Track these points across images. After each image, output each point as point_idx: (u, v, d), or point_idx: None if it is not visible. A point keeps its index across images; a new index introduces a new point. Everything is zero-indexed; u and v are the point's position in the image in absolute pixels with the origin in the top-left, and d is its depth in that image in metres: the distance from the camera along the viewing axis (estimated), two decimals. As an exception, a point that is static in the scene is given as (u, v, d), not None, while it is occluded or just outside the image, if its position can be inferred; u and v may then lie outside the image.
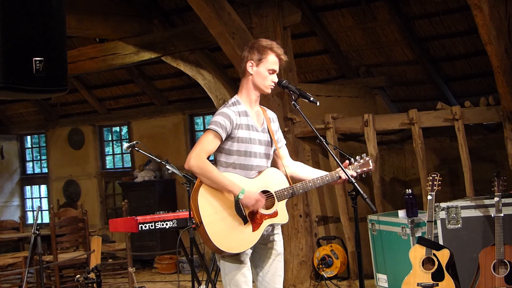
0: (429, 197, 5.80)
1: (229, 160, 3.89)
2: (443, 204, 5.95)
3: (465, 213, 5.85)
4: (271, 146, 4.10)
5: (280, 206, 3.96)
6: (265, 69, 3.94)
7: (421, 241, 5.73)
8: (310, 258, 7.82)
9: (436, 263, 5.58)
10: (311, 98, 4.00)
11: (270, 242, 4.04)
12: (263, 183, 3.93)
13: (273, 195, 3.93)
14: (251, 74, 3.97)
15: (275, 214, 3.92)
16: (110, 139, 12.61)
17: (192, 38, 8.21)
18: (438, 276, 5.55)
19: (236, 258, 3.86)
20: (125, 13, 8.47)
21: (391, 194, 8.53)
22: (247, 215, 3.81)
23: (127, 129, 12.09)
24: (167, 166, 5.36)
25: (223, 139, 3.83)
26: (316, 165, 8.02)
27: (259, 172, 3.96)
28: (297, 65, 8.29)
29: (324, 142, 4.03)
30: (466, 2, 5.55)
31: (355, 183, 3.87)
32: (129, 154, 12.03)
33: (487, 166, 7.72)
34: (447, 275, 5.53)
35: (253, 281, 4.04)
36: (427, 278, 5.57)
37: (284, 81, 4.10)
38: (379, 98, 8.95)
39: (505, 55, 5.91)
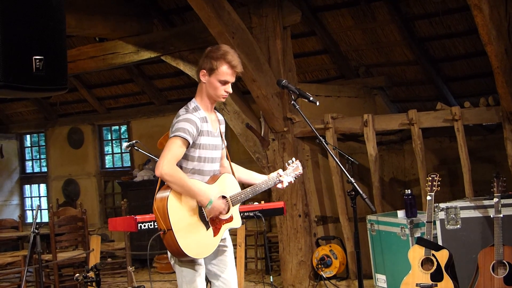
0: (429, 197, 5.80)
1: (188, 165, 3.90)
2: (442, 205, 5.95)
3: (464, 214, 5.85)
4: (222, 149, 4.16)
5: (234, 211, 4.04)
6: (216, 80, 3.90)
7: (420, 241, 5.73)
8: (309, 258, 7.82)
9: (435, 263, 5.58)
10: (311, 98, 4.00)
11: (221, 240, 4.07)
12: (220, 188, 3.98)
13: (228, 200, 3.99)
14: (204, 83, 3.95)
15: (231, 219, 4.02)
16: (109, 138, 12.61)
17: (192, 38, 8.20)
18: (437, 276, 5.55)
19: (194, 261, 3.90)
20: (124, 13, 8.46)
21: (390, 194, 8.53)
22: (209, 220, 3.87)
23: (126, 129, 12.09)
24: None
25: (190, 145, 3.84)
26: (316, 165, 8.03)
27: (213, 177, 4.01)
28: (296, 65, 8.29)
29: (323, 142, 4.05)
30: (466, 2, 5.55)
31: (354, 183, 3.88)
32: (128, 154, 12.03)
33: (487, 167, 7.73)
34: (446, 276, 5.53)
35: (208, 280, 4.15)
36: (426, 279, 5.57)
37: (284, 81, 4.10)
38: (378, 98, 8.95)
39: (505, 55, 5.91)
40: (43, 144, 13.26)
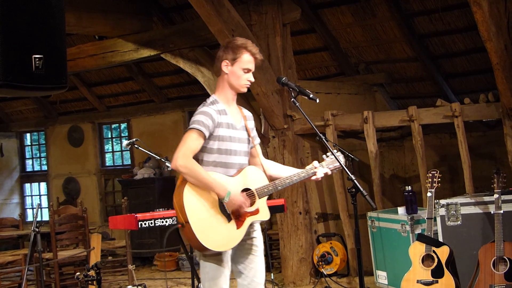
0: (429, 194, 5.81)
1: (209, 158, 3.89)
2: (442, 201, 5.95)
3: (464, 210, 5.85)
4: (249, 143, 4.12)
5: (261, 203, 3.99)
6: (240, 69, 3.94)
7: (420, 238, 5.74)
8: (310, 255, 7.82)
9: (436, 260, 5.58)
10: (311, 95, 4.00)
11: (250, 239, 4.04)
12: (244, 181, 3.95)
13: (253, 192, 3.95)
14: (226, 74, 3.97)
15: (256, 212, 3.96)
16: (109, 136, 12.61)
17: (192, 36, 8.20)
18: (437, 273, 5.56)
19: (218, 257, 3.86)
20: (124, 11, 8.46)
21: (390, 191, 8.53)
22: (231, 212, 3.82)
23: (126, 127, 12.09)
24: (167, 164, 5.37)
25: (207, 137, 3.84)
26: (316, 162, 8.02)
27: (239, 170, 3.98)
28: (296, 62, 8.29)
29: (323, 139, 4.04)
30: (466, -1, 5.56)
31: (355, 180, 3.88)
32: (128, 152, 12.03)
33: (487, 163, 7.73)
34: (446, 272, 5.54)
35: (234, 278, 4.07)
36: (426, 275, 5.58)
37: (284, 78, 4.10)
38: (378, 95, 8.95)
39: (505, 51, 5.91)
40: (43, 142, 13.27)
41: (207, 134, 3.82)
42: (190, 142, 3.79)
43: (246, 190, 3.93)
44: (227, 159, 3.92)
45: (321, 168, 4.16)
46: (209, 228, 3.74)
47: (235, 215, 3.83)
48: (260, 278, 4.07)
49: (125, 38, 8.66)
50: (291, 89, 4.05)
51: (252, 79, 4.03)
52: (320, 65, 9.33)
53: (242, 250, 4.02)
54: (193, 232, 3.67)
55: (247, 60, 3.95)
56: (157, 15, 8.91)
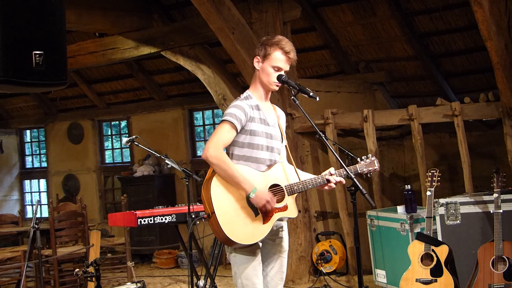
0: (428, 193, 5.81)
1: (240, 152, 3.88)
2: (442, 200, 5.95)
3: (464, 209, 5.85)
4: (281, 141, 4.11)
5: (290, 200, 3.95)
6: (270, 66, 3.94)
7: (420, 237, 5.74)
8: (309, 254, 7.83)
9: (435, 259, 5.59)
10: (311, 93, 3.99)
11: (278, 239, 4.05)
12: (273, 177, 3.92)
13: (283, 189, 3.92)
14: (258, 70, 3.98)
15: (285, 208, 3.93)
16: (109, 133, 12.60)
17: (192, 33, 8.20)
18: (436, 272, 5.56)
19: (248, 250, 3.85)
20: (124, 8, 8.46)
21: (390, 189, 8.53)
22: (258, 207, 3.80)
23: (126, 124, 12.08)
24: (166, 161, 5.35)
25: (238, 131, 3.83)
26: (316, 160, 8.04)
27: (270, 166, 3.96)
28: (296, 60, 8.27)
29: (323, 138, 4.03)
30: (466, -2, 5.55)
31: (354, 179, 3.87)
32: (128, 149, 12.02)
33: (487, 162, 7.73)
34: (445, 271, 5.54)
35: None
36: (425, 274, 5.58)
37: (284, 76, 4.09)
38: (378, 94, 8.95)
39: (505, 51, 5.90)
40: (43, 139, 13.26)
41: (239, 127, 3.82)
42: (222, 134, 3.78)
43: (275, 185, 3.91)
44: (258, 154, 3.91)
45: (334, 177, 4.02)
46: (234, 221, 3.74)
47: (262, 210, 3.81)
48: (280, 278, 4.08)
49: (125, 35, 8.66)
50: (291, 87, 4.03)
51: None
52: (320, 64, 9.33)
53: (268, 249, 4.02)
54: (218, 223, 3.68)
55: (278, 58, 3.94)
56: (157, 12, 8.90)
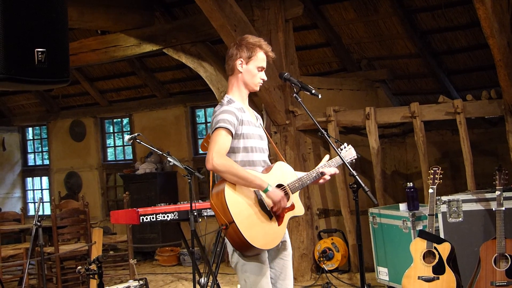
0: (431, 190, 5.81)
1: (236, 158, 3.81)
2: (444, 198, 5.95)
3: (466, 207, 5.85)
4: (268, 141, 4.11)
5: (295, 198, 3.94)
6: (255, 67, 3.92)
7: (422, 234, 5.74)
8: (311, 251, 7.83)
9: (437, 256, 5.59)
10: (313, 91, 3.98)
11: (281, 242, 3.97)
12: (276, 177, 3.89)
13: (287, 188, 3.89)
14: (241, 72, 3.93)
15: (293, 207, 3.90)
16: (111, 131, 12.61)
17: (194, 31, 8.20)
18: (439, 269, 5.56)
19: (259, 258, 3.77)
20: (126, 5, 8.46)
21: (392, 187, 8.53)
22: (271, 209, 3.75)
23: (128, 121, 12.09)
24: (169, 158, 5.36)
25: (233, 136, 3.78)
26: (318, 158, 8.03)
27: (267, 167, 3.94)
28: (298, 58, 8.28)
29: (325, 135, 4.02)
30: (469, -5, 5.55)
31: (357, 176, 3.86)
32: (130, 146, 12.03)
33: (489, 160, 7.73)
34: (448, 269, 5.54)
35: None
36: (428, 272, 5.58)
37: (286, 74, 4.09)
38: (380, 91, 8.94)
39: (507, 48, 5.90)
40: (45, 137, 13.27)
41: (233, 132, 3.77)
42: (221, 141, 3.71)
43: (279, 186, 3.87)
44: (253, 157, 3.88)
45: (327, 168, 4.03)
46: (254, 226, 3.66)
47: (274, 212, 3.77)
48: (290, 285, 4.00)
49: (128, 33, 8.66)
50: (293, 85, 4.03)
51: (265, 78, 4.00)
52: (322, 61, 9.32)
53: (273, 255, 3.96)
54: (239, 231, 3.57)
55: (261, 58, 3.94)
56: (159, 10, 8.90)
